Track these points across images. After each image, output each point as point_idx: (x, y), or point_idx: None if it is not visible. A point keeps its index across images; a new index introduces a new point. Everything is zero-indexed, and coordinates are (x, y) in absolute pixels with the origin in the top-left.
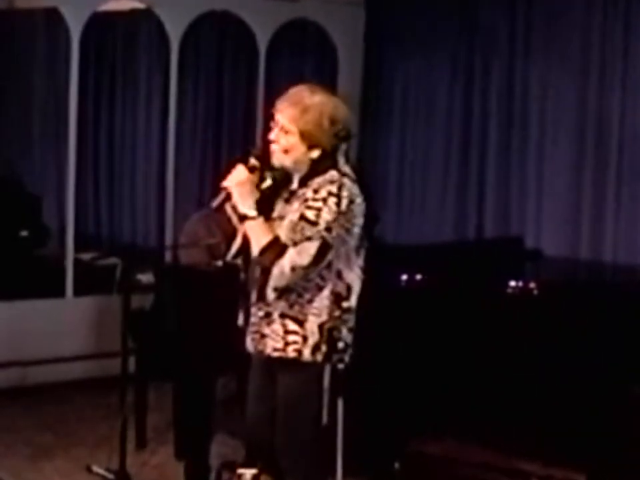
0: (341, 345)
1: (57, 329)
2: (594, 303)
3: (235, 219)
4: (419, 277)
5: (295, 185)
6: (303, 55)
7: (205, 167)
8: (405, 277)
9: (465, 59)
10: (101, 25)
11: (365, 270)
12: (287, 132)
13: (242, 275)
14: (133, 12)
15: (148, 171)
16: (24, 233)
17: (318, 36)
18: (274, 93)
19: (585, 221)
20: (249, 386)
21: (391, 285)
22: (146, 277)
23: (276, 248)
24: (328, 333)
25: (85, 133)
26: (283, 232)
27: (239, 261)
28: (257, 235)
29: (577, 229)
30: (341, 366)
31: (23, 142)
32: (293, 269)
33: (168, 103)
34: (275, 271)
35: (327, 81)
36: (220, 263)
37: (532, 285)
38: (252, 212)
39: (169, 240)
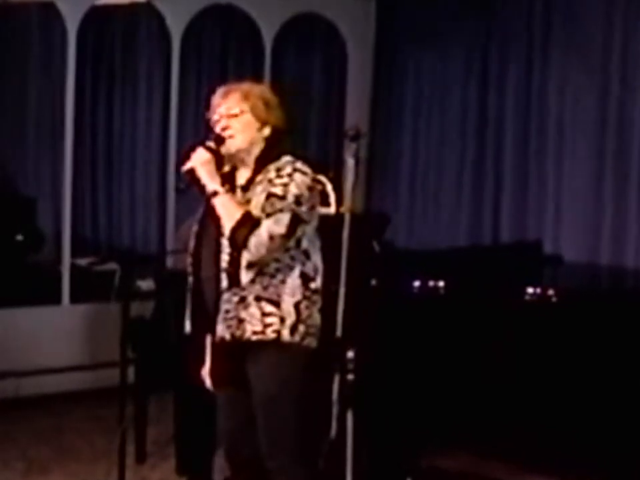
0: (313, 330)
1: (53, 337)
2: (615, 311)
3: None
4: (431, 283)
5: (245, 176)
6: (310, 50)
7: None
8: (417, 283)
9: (480, 54)
10: (99, 20)
11: (376, 275)
12: (236, 115)
13: (190, 279)
14: (133, 5)
15: (148, 172)
16: (18, 237)
17: (326, 31)
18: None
19: (606, 224)
20: (220, 394)
21: (403, 291)
22: (146, 284)
23: (249, 222)
24: (302, 316)
25: (82, 132)
26: (253, 212)
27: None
28: (229, 210)
29: (598, 233)
30: (350, 376)
31: (16, 141)
32: (271, 237)
33: (169, 102)
34: (253, 240)
35: (335, 78)
36: None
37: (550, 292)
38: (221, 188)
39: (170, 245)
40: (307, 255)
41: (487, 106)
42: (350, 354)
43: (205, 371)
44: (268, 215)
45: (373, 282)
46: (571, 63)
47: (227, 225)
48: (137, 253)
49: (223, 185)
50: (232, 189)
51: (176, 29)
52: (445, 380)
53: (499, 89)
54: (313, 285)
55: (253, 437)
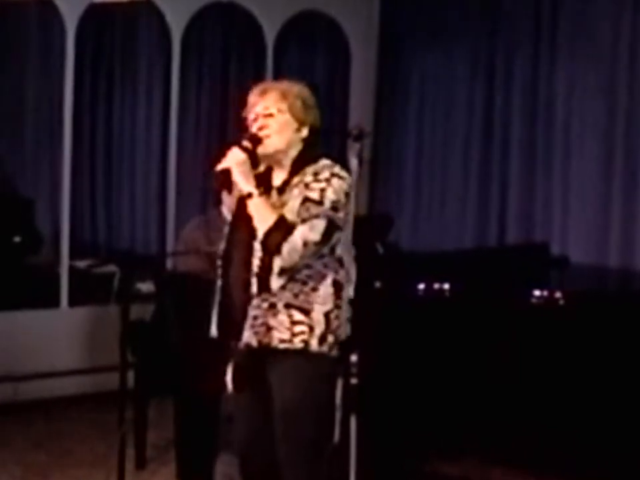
0: (342, 337)
1: (51, 341)
2: (624, 314)
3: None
4: (436, 286)
5: (282, 178)
6: (313, 49)
7: (208, 169)
8: (422, 286)
9: (486, 51)
10: (98, 18)
11: (380, 278)
12: (273, 114)
13: (219, 281)
14: (132, 3)
15: (148, 173)
16: (16, 239)
17: (329, 29)
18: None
19: (614, 226)
20: (239, 400)
21: (408, 294)
22: (146, 286)
23: (283, 227)
24: (333, 326)
25: (81, 132)
26: (288, 216)
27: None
28: (263, 214)
29: (606, 234)
30: (354, 380)
31: (14, 141)
32: (305, 244)
33: (169, 101)
34: (287, 246)
35: (338, 77)
36: None
37: (558, 294)
38: (256, 190)
39: (170, 246)
40: (340, 262)
41: (493, 105)
42: (353, 357)
43: (228, 376)
44: (303, 221)
45: (377, 284)
46: (578, 63)
47: (261, 228)
48: (137, 254)
49: (257, 185)
50: (267, 190)
51: (176, 26)
52: (449, 384)
53: (505, 88)
54: (344, 294)
55: (268, 445)
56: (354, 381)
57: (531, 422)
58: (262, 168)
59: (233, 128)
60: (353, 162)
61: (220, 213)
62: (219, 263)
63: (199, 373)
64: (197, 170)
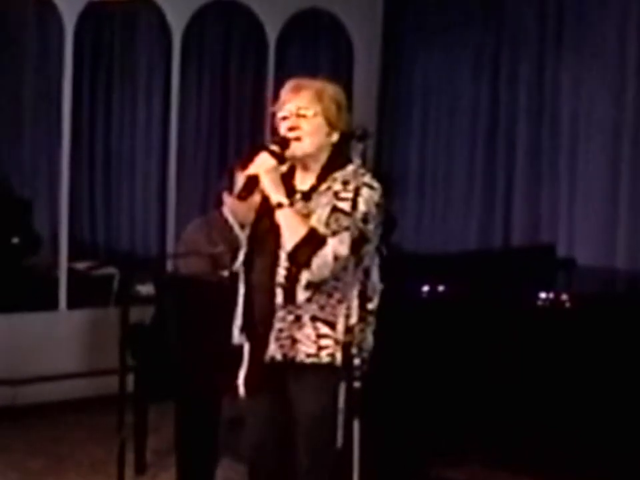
0: (365, 354)
1: (50, 344)
2: (631, 317)
3: (235, 222)
4: (441, 288)
5: (309, 182)
6: (315, 47)
7: (209, 169)
8: (426, 288)
9: (491, 51)
10: (97, 16)
11: (383, 280)
12: (306, 116)
13: (241, 285)
14: (132, 1)
15: (148, 172)
16: (14, 240)
17: (332, 27)
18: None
19: (621, 227)
20: (253, 406)
21: (411, 297)
22: (145, 288)
23: (313, 241)
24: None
25: (80, 131)
26: (315, 226)
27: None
28: (293, 226)
29: (613, 235)
30: (357, 384)
31: (11, 140)
32: (336, 258)
33: (169, 100)
34: (317, 261)
35: (341, 76)
36: (226, 273)
37: (564, 297)
38: (285, 200)
39: (170, 248)
40: (366, 273)
41: (498, 105)
42: (356, 361)
43: (240, 380)
44: (333, 233)
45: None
46: (584, 61)
47: (290, 240)
48: (137, 256)
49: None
50: (290, 193)
51: (177, 25)
52: (454, 388)
53: (510, 87)
54: (370, 306)
55: (280, 453)
56: (357, 384)
57: (536, 426)
58: (284, 168)
59: (236, 126)
60: (356, 162)
61: (221, 214)
62: (241, 268)
63: (200, 376)
64: (197, 171)
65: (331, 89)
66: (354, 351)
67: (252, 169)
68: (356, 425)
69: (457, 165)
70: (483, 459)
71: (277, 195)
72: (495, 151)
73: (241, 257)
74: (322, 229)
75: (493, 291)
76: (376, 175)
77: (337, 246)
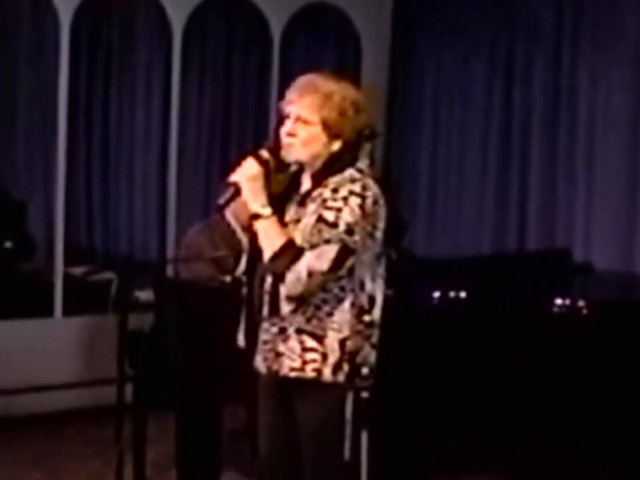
0: (365, 369)
1: (45, 352)
2: None
3: (237, 225)
4: (453, 294)
5: (307, 185)
6: (321, 43)
7: (211, 170)
8: (437, 294)
9: (505, 48)
10: (94, 10)
11: (392, 286)
12: (306, 122)
13: (244, 289)
14: None
15: (147, 174)
16: (7, 244)
17: (339, 22)
18: (289, 87)
19: None
20: (260, 416)
21: (422, 303)
22: (145, 294)
23: (290, 252)
24: (349, 353)
25: (76, 131)
26: (299, 236)
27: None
28: (270, 237)
29: (632, 239)
30: (364, 394)
31: (5, 141)
32: (310, 274)
33: (170, 98)
34: (290, 276)
35: (349, 74)
36: (228, 278)
37: (581, 303)
38: (265, 210)
39: (170, 252)
40: (361, 285)
41: (512, 104)
42: (364, 370)
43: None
44: (312, 247)
45: (390, 292)
46: (602, 58)
47: (266, 253)
48: (135, 260)
49: (287, 189)
50: (294, 194)
51: (177, 19)
52: (466, 397)
53: (525, 85)
54: (367, 318)
55: (289, 464)
56: (365, 394)
57: (551, 438)
58: (294, 167)
59: (239, 125)
60: (364, 162)
61: (223, 217)
62: (244, 277)
63: (201, 385)
64: (198, 172)
65: (338, 95)
66: (346, 367)
67: (234, 176)
68: (364, 437)
69: (470, 166)
70: (493, 470)
71: (255, 204)
72: (509, 151)
73: (243, 264)
74: (306, 239)
75: (507, 296)
76: (383, 177)
77: (312, 261)
